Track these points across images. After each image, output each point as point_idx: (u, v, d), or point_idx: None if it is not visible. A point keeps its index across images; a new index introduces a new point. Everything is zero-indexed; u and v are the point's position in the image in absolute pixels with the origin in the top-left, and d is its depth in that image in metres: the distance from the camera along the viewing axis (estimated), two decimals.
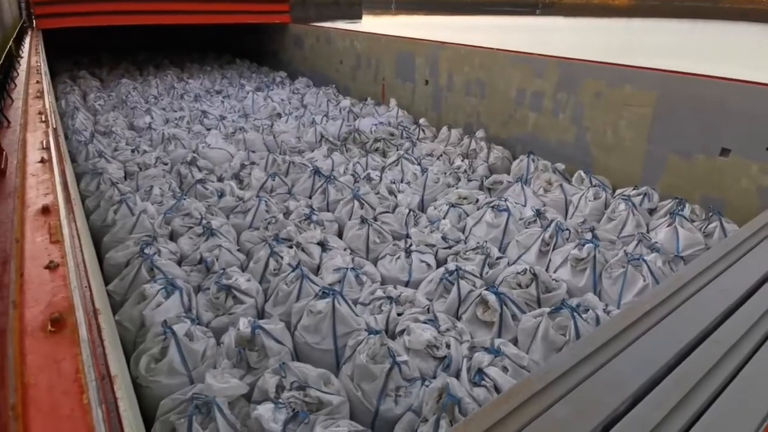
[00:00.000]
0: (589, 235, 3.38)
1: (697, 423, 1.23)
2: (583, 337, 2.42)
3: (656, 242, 3.36)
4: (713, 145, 3.90)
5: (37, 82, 4.12)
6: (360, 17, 13.75)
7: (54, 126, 2.87)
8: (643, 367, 1.42)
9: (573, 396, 1.31)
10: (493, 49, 5.96)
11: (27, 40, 7.22)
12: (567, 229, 3.48)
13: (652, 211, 3.96)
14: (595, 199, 4.02)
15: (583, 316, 2.56)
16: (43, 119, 2.88)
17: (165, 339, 2.32)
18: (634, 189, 4.09)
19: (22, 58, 5.50)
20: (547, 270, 3.20)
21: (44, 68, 5.02)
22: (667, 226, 3.56)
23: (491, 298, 2.70)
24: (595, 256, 3.10)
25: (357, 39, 8.51)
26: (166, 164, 4.98)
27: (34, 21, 8.63)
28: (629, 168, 4.47)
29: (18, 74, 4.44)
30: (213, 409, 1.97)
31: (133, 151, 5.18)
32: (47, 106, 3.26)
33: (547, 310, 2.62)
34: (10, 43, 5.70)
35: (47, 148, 2.26)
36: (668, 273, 3.02)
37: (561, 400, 1.29)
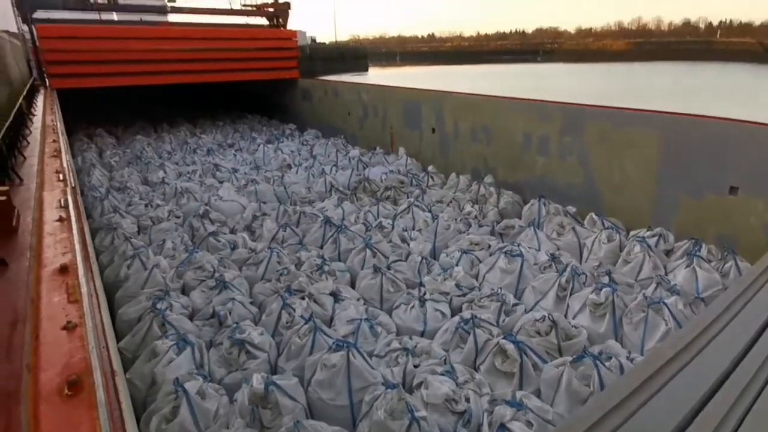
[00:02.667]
0: (606, 279, 3.32)
1: None
2: (608, 387, 2.32)
3: (675, 284, 3.28)
4: (722, 184, 3.89)
5: (54, 140, 4.23)
6: (366, 70, 14.32)
7: (72, 185, 2.93)
8: (670, 415, 1.36)
9: None
10: (496, 96, 6.12)
11: (40, 98, 7.50)
12: (583, 273, 3.42)
13: (668, 252, 3.90)
14: (608, 241, 3.98)
15: (606, 364, 2.47)
16: (61, 178, 2.94)
17: (176, 398, 2.26)
18: (648, 230, 4.05)
19: (34, 116, 5.68)
20: (565, 316, 3.12)
21: (60, 127, 5.17)
22: (686, 268, 3.50)
23: (510, 347, 2.62)
24: (613, 301, 3.03)
25: (364, 90, 8.80)
26: (178, 217, 5.04)
27: (47, 80, 8.94)
28: (640, 208, 4.45)
29: (30, 132, 4.57)
30: None
31: (146, 205, 5.26)
32: (65, 164, 3.34)
33: (569, 359, 2.53)
34: (20, 100, 5.93)
35: (65, 207, 2.30)
36: (689, 315, 2.93)
37: None
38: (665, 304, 2.94)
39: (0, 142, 3.45)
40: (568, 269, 3.41)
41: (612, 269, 3.63)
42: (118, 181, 6.39)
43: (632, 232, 4.18)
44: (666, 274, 3.59)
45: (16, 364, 1.20)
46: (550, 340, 2.80)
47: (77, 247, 1.75)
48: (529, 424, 2.17)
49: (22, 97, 6.30)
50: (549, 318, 2.87)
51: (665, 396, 1.45)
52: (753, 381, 1.46)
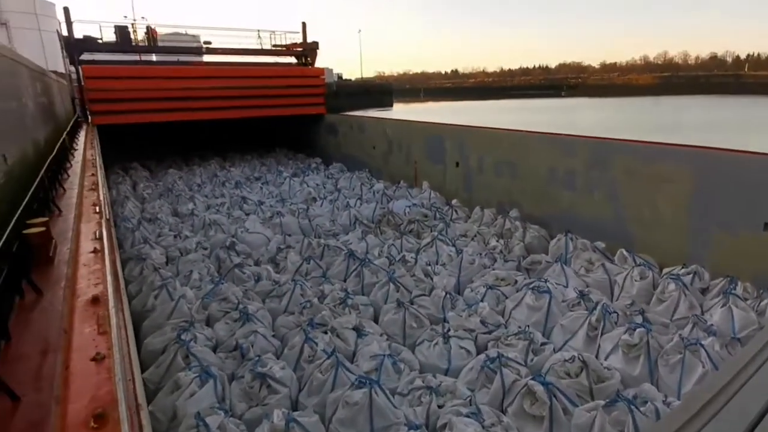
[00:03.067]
0: (639, 319, 3.19)
1: None
2: None
3: (712, 324, 3.13)
4: (756, 219, 3.75)
5: (92, 174, 4.41)
6: (391, 105, 14.55)
7: (107, 217, 3.03)
8: None
9: None
10: (520, 130, 6.13)
11: (82, 133, 7.89)
12: (615, 312, 3.30)
13: (704, 291, 3.74)
14: (641, 278, 3.84)
15: (641, 409, 2.34)
16: (97, 210, 3.05)
17: None
18: (682, 267, 3.90)
19: (76, 150, 5.96)
20: (596, 357, 3.00)
21: (99, 162, 5.40)
22: (722, 307, 3.34)
23: (539, 388, 2.52)
24: (648, 342, 2.90)
25: (388, 125, 8.96)
26: (205, 249, 5.13)
27: (89, 117, 9.47)
28: (673, 245, 4.30)
29: (71, 165, 4.78)
30: None
31: (175, 236, 5.39)
32: (101, 198, 3.47)
33: (602, 403, 2.41)
34: (64, 136, 6.24)
35: (100, 239, 2.37)
36: (725, 357, 2.78)
37: None
38: (702, 346, 2.80)
39: (43, 176, 3.62)
40: (599, 307, 3.29)
41: (645, 308, 3.49)
42: (149, 212, 6.59)
43: (666, 270, 4.04)
44: (702, 313, 3.44)
45: (45, 395, 1.21)
46: (581, 382, 2.69)
47: (109, 278, 1.79)
48: None
49: (65, 132, 6.65)
50: (579, 358, 2.76)
51: None
52: None
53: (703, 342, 2.84)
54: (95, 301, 1.60)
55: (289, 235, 5.48)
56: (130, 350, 1.50)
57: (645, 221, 4.55)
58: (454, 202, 6.57)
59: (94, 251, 2.14)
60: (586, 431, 2.34)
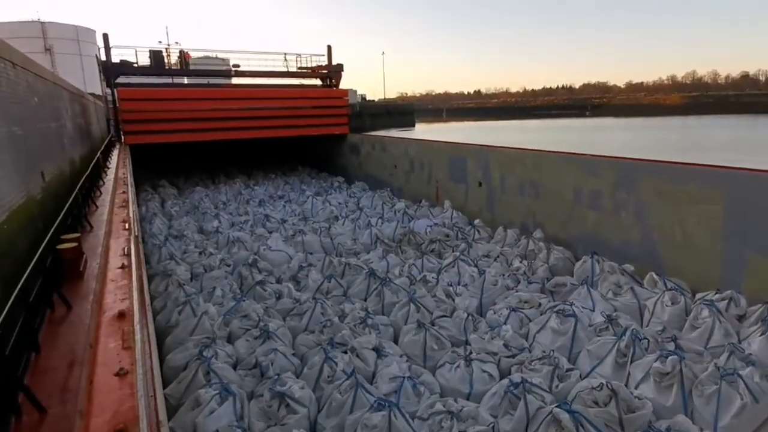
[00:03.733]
0: (671, 346, 3.06)
1: None
2: None
3: (750, 354, 2.98)
4: None
5: (123, 192, 4.56)
6: (413, 125, 14.71)
7: (136, 234, 3.10)
8: None
9: None
10: (543, 150, 6.07)
11: (115, 152, 8.19)
12: (645, 338, 3.18)
13: (740, 318, 3.58)
14: (672, 304, 3.70)
15: None
16: (126, 227, 3.14)
17: None
18: (716, 293, 3.75)
19: (109, 168, 6.19)
20: (626, 385, 2.88)
21: (130, 180, 5.59)
22: (761, 335, 3.18)
23: (565, 416, 2.43)
24: (681, 370, 2.77)
25: (410, 145, 9.01)
26: (229, 266, 5.20)
27: (123, 137, 9.86)
28: (705, 269, 4.14)
29: (104, 183, 4.97)
30: None
31: (200, 253, 5.48)
32: (131, 215, 3.57)
33: None
34: (98, 155, 6.48)
35: (128, 255, 2.43)
36: (766, 389, 2.63)
37: None
38: (740, 376, 2.65)
39: (77, 192, 3.75)
40: (628, 333, 3.18)
41: (678, 335, 3.35)
42: (176, 229, 6.74)
43: (699, 295, 3.88)
44: (739, 341, 3.28)
45: (70, 408, 1.23)
46: (610, 411, 2.57)
47: (135, 294, 1.82)
48: None
49: (99, 152, 6.92)
50: (608, 386, 2.66)
51: None
52: None
53: (741, 372, 2.70)
54: (121, 316, 1.63)
55: (311, 254, 5.51)
56: (152, 366, 1.51)
57: (675, 244, 4.40)
58: (476, 222, 6.51)
59: (122, 267, 2.19)
60: None
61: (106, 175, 5.62)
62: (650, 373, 2.85)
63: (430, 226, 6.40)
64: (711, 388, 2.70)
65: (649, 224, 4.64)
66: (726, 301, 3.63)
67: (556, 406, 2.52)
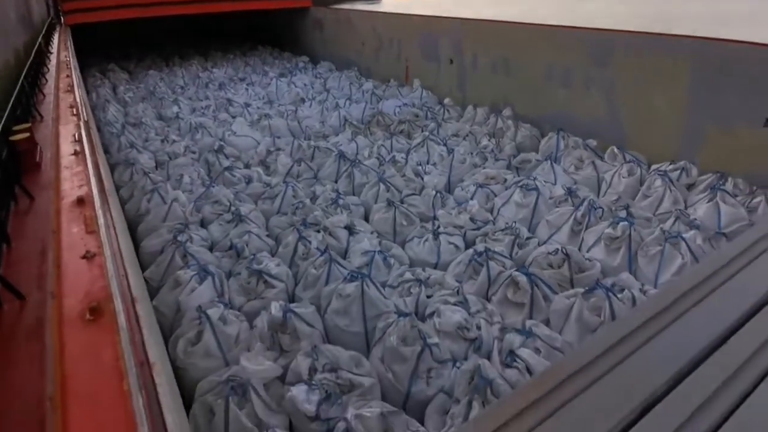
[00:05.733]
0: (623, 213, 3.27)
1: (742, 405, 1.18)
2: (619, 318, 2.36)
3: (695, 219, 3.22)
4: (756, 115, 3.68)
5: (67, 76, 4.23)
6: None
7: (85, 119, 2.94)
8: (683, 348, 1.36)
9: (611, 377, 1.27)
10: (518, 23, 5.76)
11: (56, 36, 7.42)
12: (600, 208, 3.37)
13: (690, 187, 3.80)
14: (629, 175, 3.87)
15: (619, 296, 2.49)
16: (75, 112, 2.96)
17: (200, 323, 2.39)
18: (671, 164, 3.92)
19: (51, 53, 5.66)
20: (579, 250, 3.12)
21: (73, 63, 5.15)
22: (707, 202, 3.41)
23: (522, 279, 2.65)
24: (630, 235, 3.00)
25: (378, 20, 8.37)
26: (194, 153, 5.06)
27: (62, 17, 8.85)
28: (666, 143, 4.27)
29: (48, 70, 4.58)
30: (249, 390, 2.02)
31: (162, 141, 5.28)
32: (78, 99, 3.34)
33: (581, 290, 2.56)
34: (39, 39, 5.87)
35: (79, 141, 2.32)
36: (709, 251, 2.90)
37: (598, 381, 1.25)
38: (683, 239, 2.90)
39: (23, 81, 3.46)
40: (585, 203, 3.36)
41: (631, 203, 3.56)
42: (133, 116, 6.38)
43: (654, 166, 4.05)
44: (686, 208, 3.52)
45: (43, 292, 1.26)
46: (563, 272, 2.82)
47: (92, 180, 1.78)
48: (537, 351, 2.24)
49: (41, 36, 6.23)
50: (562, 251, 2.88)
51: (680, 328, 1.44)
52: None
53: (684, 235, 2.93)
54: (80, 202, 1.60)
55: (278, 138, 5.38)
56: (121, 249, 1.53)
57: (640, 118, 4.46)
58: (446, 101, 6.38)
59: (75, 153, 2.10)
60: (565, 315, 2.51)
61: (50, 60, 5.15)
62: (601, 238, 3.08)
63: (399, 106, 6.25)
64: (655, 249, 2.95)
65: (616, 99, 4.64)
66: (678, 171, 3.82)
67: (515, 270, 2.74)
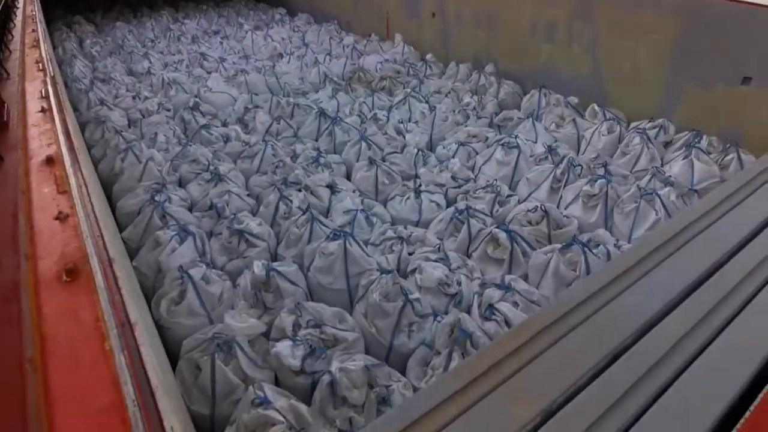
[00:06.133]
0: (601, 171, 3.31)
1: (705, 352, 1.25)
2: (594, 272, 2.44)
3: (670, 176, 3.29)
4: (735, 73, 3.70)
5: (33, 30, 4.01)
6: None
7: (52, 74, 2.80)
8: (652, 299, 1.42)
9: (583, 328, 1.33)
10: None
11: None
12: (579, 165, 3.41)
13: (667, 144, 3.85)
14: (609, 133, 3.90)
15: (594, 251, 2.56)
16: (41, 68, 2.81)
17: (182, 283, 2.38)
18: (650, 122, 3.95)
19: (17, 8, 5.34)
20: (558, 207, 3.17)
21: (39, 16, 4.87)
22: (683, 159, 3.47)
23: (502, 235, 2.70)
24: (607, 192, 3.06)
25: None
26: (168, 110, 4.89)
27: None
28: (647, 100, 4.28)
29: (15, 25, 4.34)
30: (234, 346, 2.06)
31: (134, 97, 5.08)
32: (44, 54, 3.18)
33: (558, 246, 2.62)
34: None
35: (47, 98, 2.22)
36: (682, 207, 2.98)
37: (571, 332, 1.31)
38: (658, 195, 2.97)
39: None
40: (565, 161, 3.39)
41: (609, 161, 3.61)
42: (101, 72, 6.08)
43: (633, 124, 4.08)
44: (662, 165, 3.58)
45: (16, 254, 1.23)
46: (541, 229, 2.88)
47: (61, 138, 1.71)
48: (515, 304, 2.32)
49: None
50: (541, 208, 2.92)
51: (651, 281, 1.50)
52: (748, 277, 1.47)
53: (659, 192, 3.00)
54: (50, 161, 1.55)
55: (256, 95, 5.21)
56: (95, 209, 1.49)
57: (622, 76, 4.44)
58: (428, 57, 6.23)
59: (42, 110, 2.01)
60: (542, 270, 2.59)
61: (16, 16, 4.85)
62: (579, 195, 3.14)
63: (381, 62, 6.08)
64: (630, 206, 3.02)
65: (599, 56, 4.60)
66: (657, 129, 3.86)
67: (495, 227, 2.79)
